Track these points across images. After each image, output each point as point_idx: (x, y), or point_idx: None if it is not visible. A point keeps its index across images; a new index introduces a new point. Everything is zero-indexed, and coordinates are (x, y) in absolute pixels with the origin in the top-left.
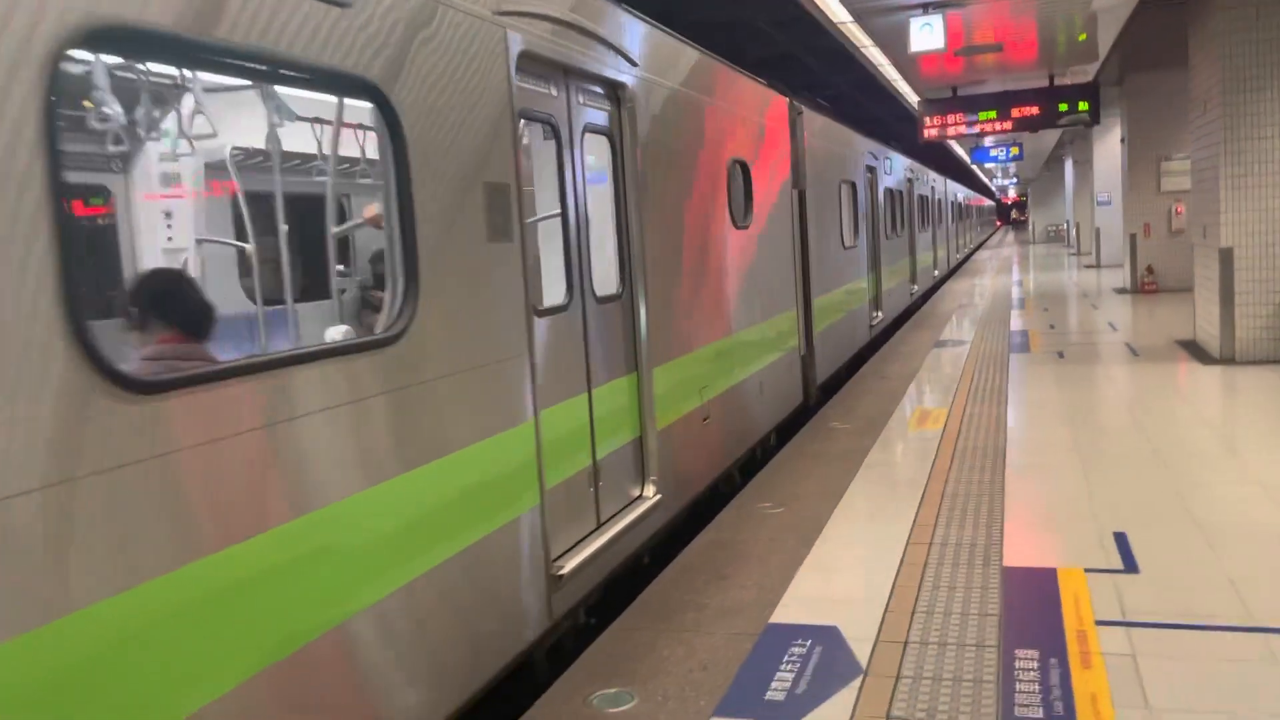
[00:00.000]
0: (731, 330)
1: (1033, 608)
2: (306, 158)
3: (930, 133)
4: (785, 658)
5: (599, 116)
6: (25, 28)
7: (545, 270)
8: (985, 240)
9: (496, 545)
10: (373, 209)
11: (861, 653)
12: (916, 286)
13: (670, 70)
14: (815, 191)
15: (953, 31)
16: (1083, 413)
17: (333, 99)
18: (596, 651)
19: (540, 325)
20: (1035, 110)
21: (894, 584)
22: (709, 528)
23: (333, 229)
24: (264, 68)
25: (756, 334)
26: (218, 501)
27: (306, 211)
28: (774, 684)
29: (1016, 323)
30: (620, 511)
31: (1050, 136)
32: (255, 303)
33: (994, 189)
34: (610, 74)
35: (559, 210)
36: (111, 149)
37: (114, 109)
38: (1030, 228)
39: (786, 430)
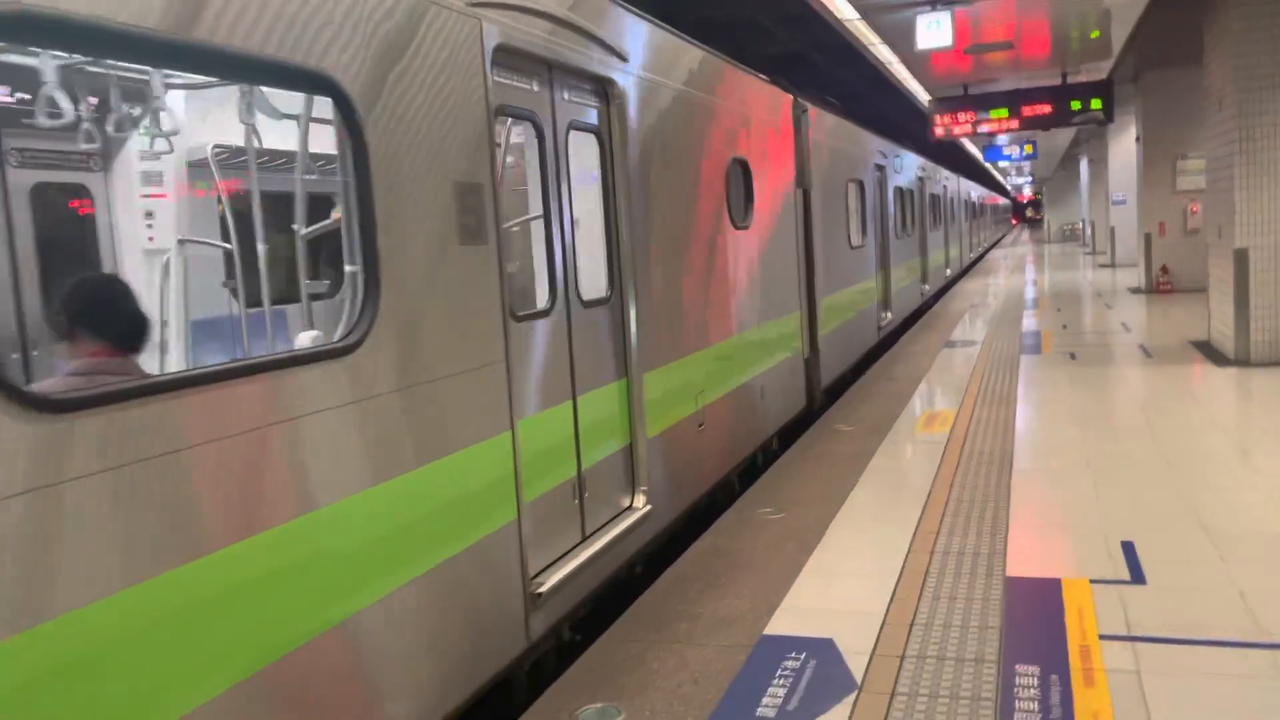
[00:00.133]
0: (730, 333)
1: (1035, 621)
2: (246, 154)
3: (940, 131)
4: (779, 671)
5: (586, 114)
6: None
7: (527, 273)
8: (1000, 239)
9: (466, 565)
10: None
11: (857, 667)
12: (928, 286)
13: (664, 66)
14: (821, 191)
15: (961, 29)
16: (1093, 416)
17: (282, 94)
18: (584, 664)
19: (518, 331)
20: (1047, 108)
21: (893, 594)
22: (706, 534)
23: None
24: (205, 62)
25: (757, 336)
26: (136, 530)
27: (258, 215)
28: (765, 699)
29: (1029, 323)
30: (608, 523)
31: (1064, 135)
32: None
33: (1009, 187)
34: (598, 70)
35: (541, 211)
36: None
37: None
38: (1045, 227)
39: (790, 435)
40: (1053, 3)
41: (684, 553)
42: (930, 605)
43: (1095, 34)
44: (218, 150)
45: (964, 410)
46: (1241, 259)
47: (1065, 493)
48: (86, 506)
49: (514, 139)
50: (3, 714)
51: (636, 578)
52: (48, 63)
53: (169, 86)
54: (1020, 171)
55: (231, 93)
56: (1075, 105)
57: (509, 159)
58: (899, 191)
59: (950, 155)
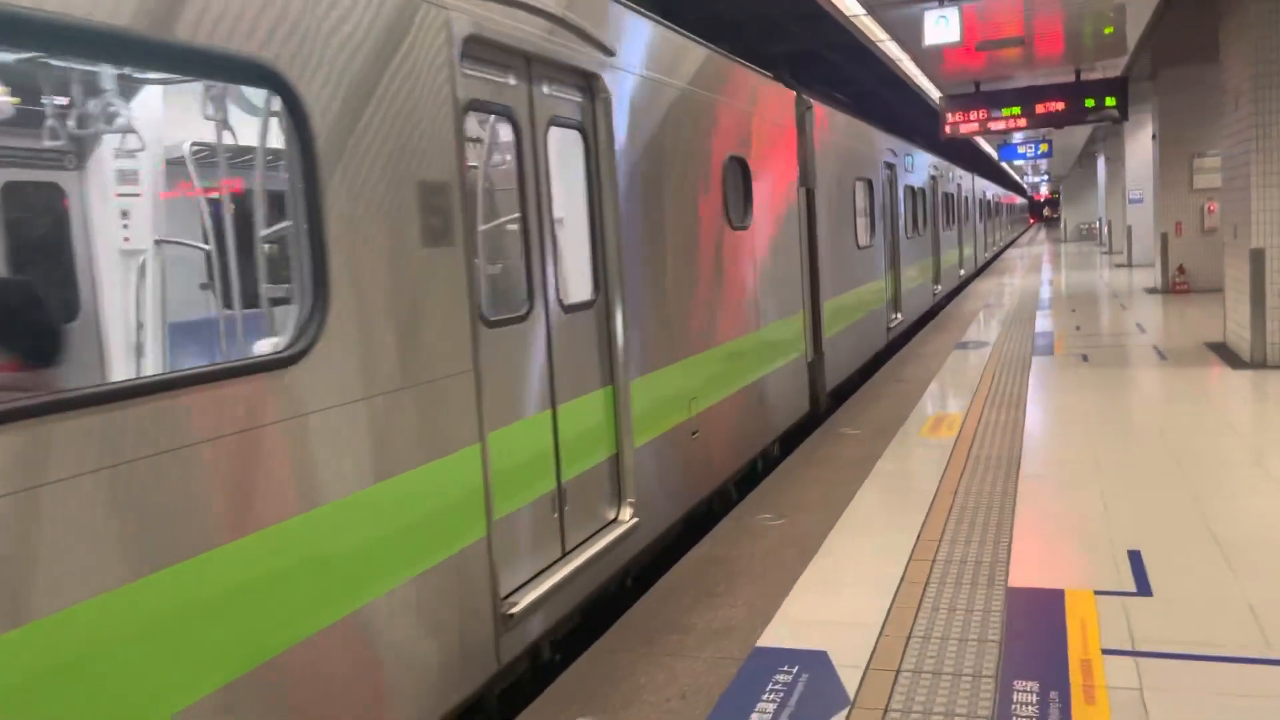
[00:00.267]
0: (726, 337)
1: (1036, 634)
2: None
3: (951, 128)
4: (769, 685)
5: (569, 109)
6: None
7: (501, 277)
8: (1016, 238)
9: (428, 587)
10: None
11: (850, 682)
12: (940, 287)
13: (654, 60)
14: (826, 190)
15: (969, 24)
16: (1104, 420)
17: (219, 85)
18: (570, 678)
19: (490, 338)
20: (1060, 106)
21: (891, 604)
22: (703, 542)
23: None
24: (131, 54)
25: (756, 340)
26: (33, 563)
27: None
28: (753, 716)
29: (1042, 324)
30: (590, 538)
31: (1080, 133)
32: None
33: (1026, 186)
34: (582, 63)
35: (518, 211)
36: None
37: None
38: (1062, 225)
39: (792, 440)
40: None
41: (678, 562)
42: (929, 617)
43: (1109, 30)
44: (194, 149)
45: (972, 413)
46: (1257, 259)
47: (1072, 499)
48: None
49: (491, 136)
50: None
51: (629, 590)
52: None
53: (107, 79)
54: (1036, 170)
55: (183, 88)
56: (1089, 103)
57: (493, 157)
58: (910, 190)
59: (965, 154)
